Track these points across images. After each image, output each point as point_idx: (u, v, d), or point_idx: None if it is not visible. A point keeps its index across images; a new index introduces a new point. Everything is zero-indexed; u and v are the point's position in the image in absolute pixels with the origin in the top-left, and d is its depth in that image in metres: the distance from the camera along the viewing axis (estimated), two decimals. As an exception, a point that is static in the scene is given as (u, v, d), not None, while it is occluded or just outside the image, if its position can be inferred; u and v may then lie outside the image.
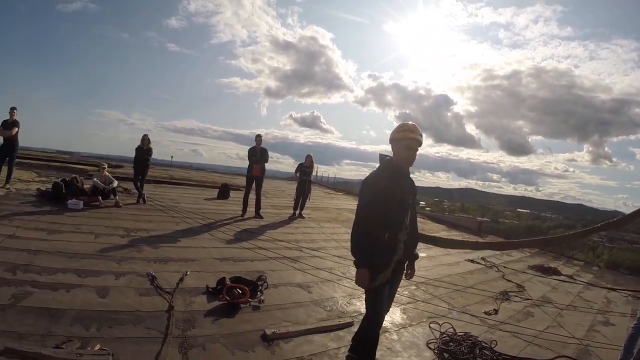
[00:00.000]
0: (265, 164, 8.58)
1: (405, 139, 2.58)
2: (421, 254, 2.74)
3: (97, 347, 2.70)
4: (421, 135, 2.62)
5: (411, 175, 2.79)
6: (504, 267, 7.37)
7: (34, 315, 3.04)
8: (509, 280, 6.38)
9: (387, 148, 2.80)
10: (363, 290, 2.67)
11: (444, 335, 3.60)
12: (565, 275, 7.50)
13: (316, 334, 3.38)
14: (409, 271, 2.78)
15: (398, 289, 2.90)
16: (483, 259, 7.64)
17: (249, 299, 3.77)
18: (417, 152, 2.64)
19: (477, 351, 3.30)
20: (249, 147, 8.62)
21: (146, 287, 3.83)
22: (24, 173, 10.02)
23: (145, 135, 8.71)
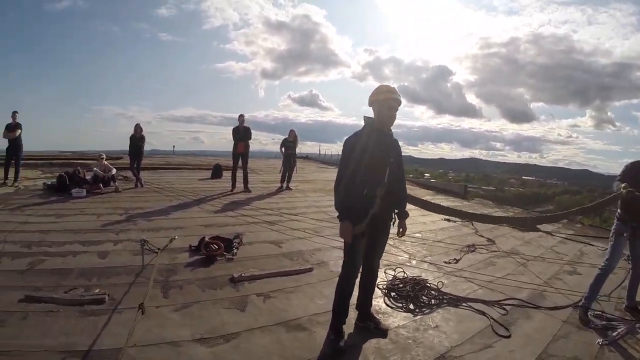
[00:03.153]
0: (249, 141, 9.23)
1: (388, 100, 2.67)
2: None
3: (97, 290, 3.46)
4: (400, 96, 2.72)
5: (400, 142, 2.88)
6: (481, 224, 7.14)
7: (47, 275, 3.77)
8: (480, 236, 6.32)
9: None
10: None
11: (396, 278, 3.88)
12: (544, 232, 7.15)
13: (277, 277, 3.91)
14: (400, 229, 2.88)
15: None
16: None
17: (224, 253, 4.42)
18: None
19: (423, 290, 3.57)
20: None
21: (139, 249, 4.52)
22: (30, 172, 10.74)
23: (137, 124, 9.50)
